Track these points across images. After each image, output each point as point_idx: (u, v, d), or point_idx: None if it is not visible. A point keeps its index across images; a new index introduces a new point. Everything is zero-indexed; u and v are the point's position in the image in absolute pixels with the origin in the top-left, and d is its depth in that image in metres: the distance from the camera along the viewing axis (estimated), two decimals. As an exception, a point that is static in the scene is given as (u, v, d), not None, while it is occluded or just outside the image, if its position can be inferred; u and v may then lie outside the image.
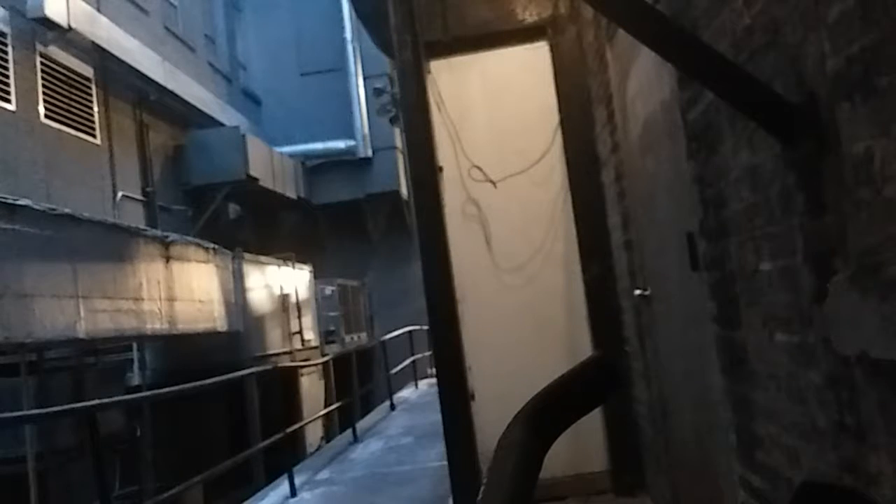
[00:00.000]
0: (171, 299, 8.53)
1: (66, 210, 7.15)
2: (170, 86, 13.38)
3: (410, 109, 4.20)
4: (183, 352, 9.56)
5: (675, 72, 2.53)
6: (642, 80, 3.32)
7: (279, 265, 12.11)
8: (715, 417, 2.56)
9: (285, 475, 6.77)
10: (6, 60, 9.36)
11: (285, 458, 6.94)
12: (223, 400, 9.48)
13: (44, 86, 10.10)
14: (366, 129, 18.32)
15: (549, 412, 1.11)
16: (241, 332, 10.23)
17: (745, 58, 1.83)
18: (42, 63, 10.14)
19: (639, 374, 4.12)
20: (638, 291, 3.88)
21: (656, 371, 3.75)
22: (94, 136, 11.23)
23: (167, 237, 8.89)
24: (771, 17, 1.68)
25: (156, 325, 8.17)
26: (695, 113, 2.37)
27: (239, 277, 10.39)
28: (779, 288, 1.81)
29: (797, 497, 1.55)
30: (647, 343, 3.90)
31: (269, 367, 8.09)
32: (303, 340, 12.31)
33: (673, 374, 3.44)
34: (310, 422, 9.86)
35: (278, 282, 11.76)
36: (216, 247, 10.03)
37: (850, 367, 1.43)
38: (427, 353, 12.89)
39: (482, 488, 0.94)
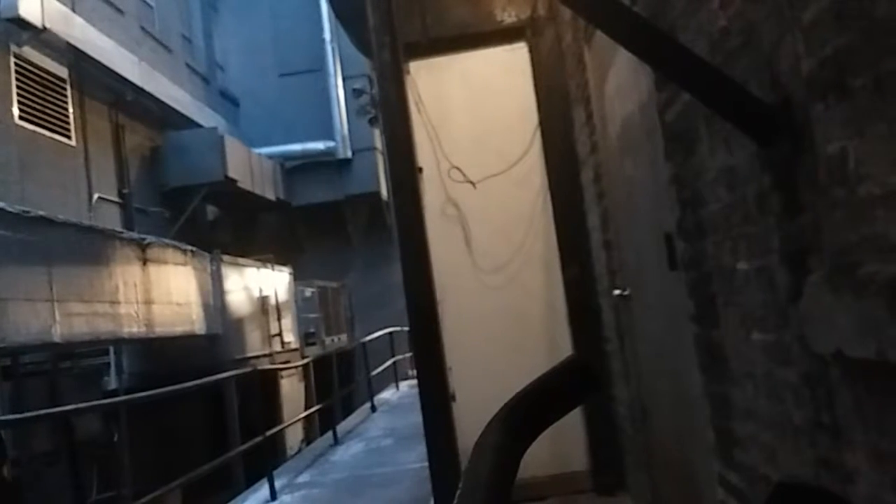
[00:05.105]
0: (148, 302, 8.44)
1: (41, 212, 7.06)
2: (146, 86, 13.25)
3: (390, 110, 4.19)
4: (161, 355, 9.46)
5: (652, 73, 2.54)
6: (620, 81, 3.34)
7: (258, 267, 12.04)
8: (694, 416, 2.58)
9: (265, 478, 6.73)
10: (-21, 61, 9.23)
11: (265, 461, 6.90)
12: (202, 403, 9.40)
13: (18, 87, 9.96)
14: (345, 130, 18.27)
15: (526, 414, 1.11)
16: (219, 335, 10.16)
17: (722, 59, 1.85)
18: (16, 63, 10.00)
19: (618, 374, 4.14)
20: (617, 291, 3.89)
21: (636, 370, 3.77)
22: (69, 137, 11.10)
23: (144, 239, 8.80)
24: (746, 19, 1.69)
25: (133, 329, 8.08)
26: (672, 114, 2.39)
27: (217, 280, 10.31)
28: (755, 287, 1.82)
29: (772, 497, 1.56)
30: (626, 342, 3.91)
31: (248, 369, 8.03)
32: (283, 342, 12.24)
33: (652, 373, 3.46)
34: (290, 424, 9.81)
35: (257, 284, 11.69)
36: (194, 249, 9.95)
37: (826, 366, 1.44)
38: (408, 355, 12.87)
39: (458, 492, 0.93)
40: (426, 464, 4.23)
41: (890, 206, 1.17)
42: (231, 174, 14.43)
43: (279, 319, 12.23)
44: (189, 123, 15.12)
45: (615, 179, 3.78)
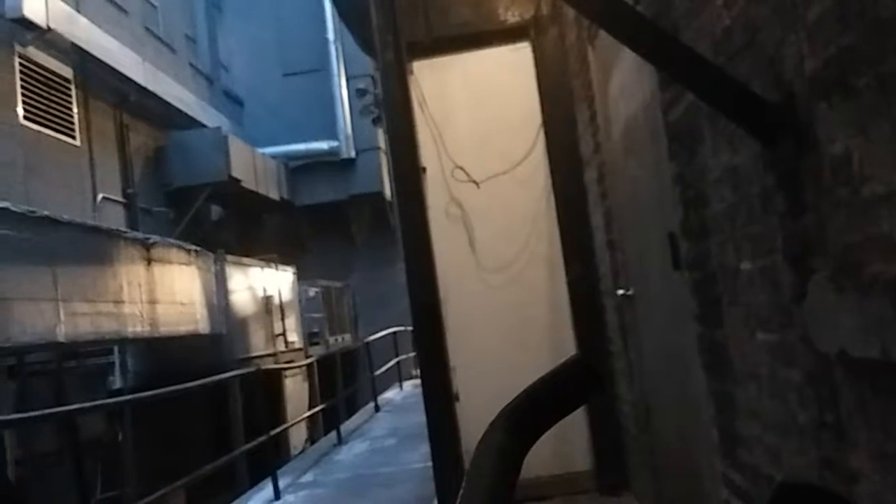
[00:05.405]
0: (152, 302, 8.46)
1: (46, 212, 7.07)
2: (150, 87, 13.27)
3: (393, 110, 4.20)
4: (165, 355, 9.48)
5: (656, 73, 2.54)
6: (624, 80, 3.33)
7: (262, 267, 12.05)
8: (697, 416, 2.58)
9: (269, 478, 6.74)
10: (-17, 61, 9.25)
11: (269, 460, 6.90)
12: (206, 403, 9.42)
13: (22, 87, 9.99)
14: (349, 130, 18.27)
15: (529, 414, 1.11)
16: (223, 335, 10.17)
17: (725, 59, 1.84)
18: (21, 64, 10.03)
19: (622, 374, 4.14)
20: (621, 291, 3.89)
21: (639, 370, 3.77)
22: (73, 137, 11.12)
23: (148, 239, 8.82)
24: (750, 19, 1.69)
25: (137, 328, 8.10)
26: (675, 114, 2.38)
27: (221, 279, 10.33)
28: (759, 287, 1.82)
29: (776, 498, 1.56)
30: (630, 342, 3.91)
31: (252, 369, 8.04)
32: (286, 342, 12.25)
33: (656, 372, 3.46)
34: (294, 424, 9.82)
35: (261, 284, 11.70)
36: (198, 249, 9.97)
37: (830, 366, 1.44)
38: (411, 354, 12.88)
39: (461, 491, 0.94)
40: (430, 463, 4.24)
41: (894, 206, 1.17)
42: (235, 174, 14.45)
43: (283, 319, 12.24)
44: (193, 123, 15.14)
45: (619, 179, 3.78)
